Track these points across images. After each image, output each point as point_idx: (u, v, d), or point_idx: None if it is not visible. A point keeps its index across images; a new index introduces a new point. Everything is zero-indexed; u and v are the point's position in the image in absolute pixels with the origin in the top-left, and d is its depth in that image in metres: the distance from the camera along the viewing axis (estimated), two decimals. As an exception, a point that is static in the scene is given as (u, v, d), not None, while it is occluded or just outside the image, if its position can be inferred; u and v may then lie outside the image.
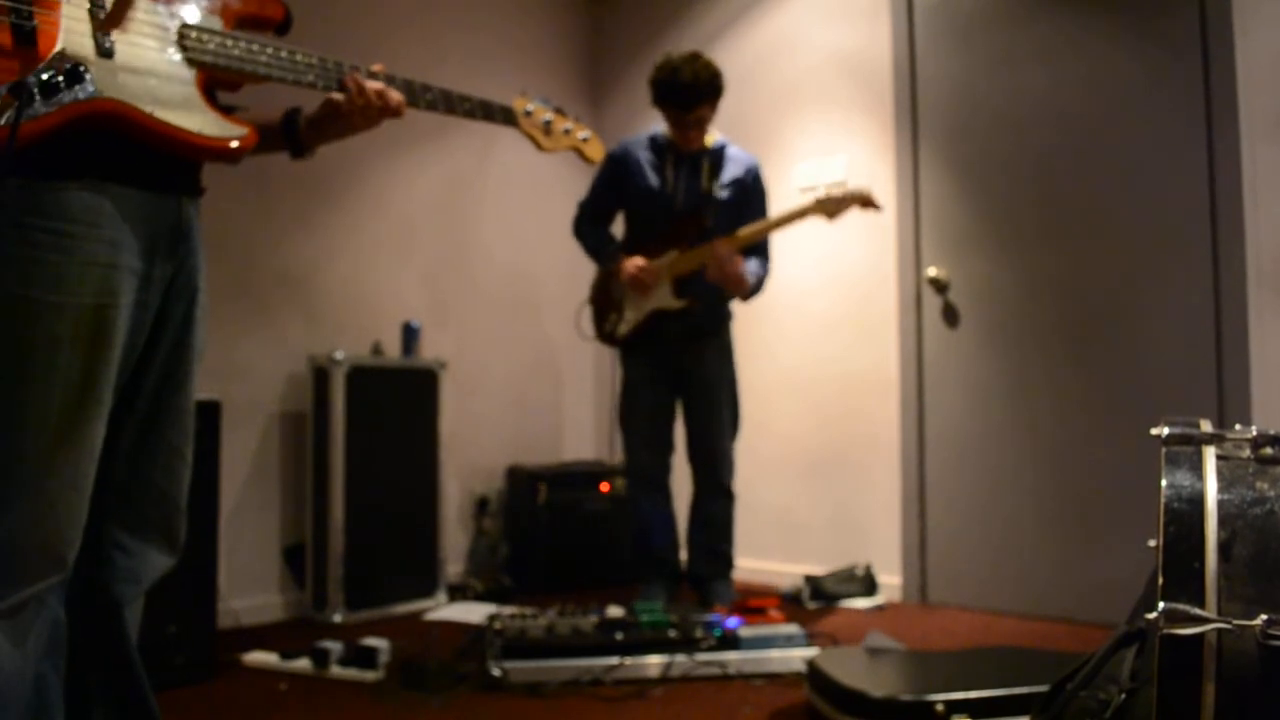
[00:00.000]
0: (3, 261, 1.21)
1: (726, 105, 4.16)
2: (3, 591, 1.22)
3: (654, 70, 3.18)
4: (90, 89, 1.22)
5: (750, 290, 3.22)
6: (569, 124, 1.95)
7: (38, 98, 1.16)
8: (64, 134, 1.21)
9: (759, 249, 3.28)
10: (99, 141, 1.26)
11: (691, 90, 3.12)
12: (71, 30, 1.23)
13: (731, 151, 3.33)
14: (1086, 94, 3.21)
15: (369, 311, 3.71)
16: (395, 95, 1.60)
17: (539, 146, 1.93)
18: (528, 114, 1.89)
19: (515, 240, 4.30)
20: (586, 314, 3.50)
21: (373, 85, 1.57)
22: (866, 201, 3.09)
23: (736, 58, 4.21)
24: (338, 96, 1.57)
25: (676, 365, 3.31)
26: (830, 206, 3.10)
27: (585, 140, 1.98)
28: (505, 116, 1.84)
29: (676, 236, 3.23)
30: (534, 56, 4.46)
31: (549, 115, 1.92)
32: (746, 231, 3.17)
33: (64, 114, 1.20)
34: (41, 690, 1.28)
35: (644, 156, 3.31)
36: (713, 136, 3.33)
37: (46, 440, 1.24)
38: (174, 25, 1.36)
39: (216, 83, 1.43)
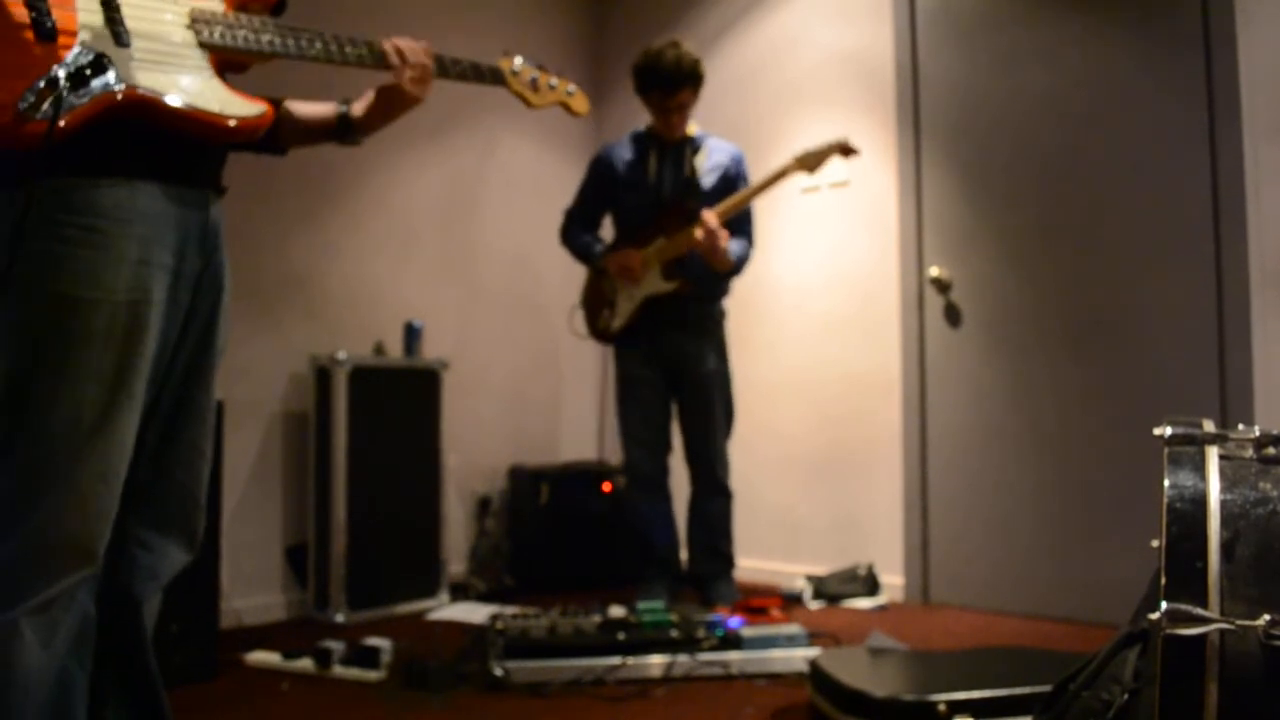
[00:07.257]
0: (37, 258, 1.22)
1: (728, 104, 4.19)
2: (34, 586, 1.22)
3: (637, 59, 3.26)
4: (114, 78, 1.24)
5: (732, 267, 3.25)
6: (554, 79, 2.01)
7: (68, 89, 1.18)
8: (96, 127, 1.22)
9: (743, 229, 3.30)
10: (128, 136, 1.28)
11: (674, 76, 3.19)
12: (87, 24, 1.25)
13: (713, 141, 3.38)
14: (1089, 94, 3.21)
15: (371, 311, 3.71)
16: (425, 44, 1.67)
17: (528, 103, 1.98)
18: (514, 73, 1.95)
19: (517, 239, 4.30)
20: (579, 316, 3.53)
21: (407, 43, 1.62)
22: (845, 149, 3.10)
23: (738, 57, 4.22)
24: (389, 74, 1.62)
25: (671, 361, 3.32)
26: (810, 160, 3.12)
27: (571, 94, 2.03)
28: (494, 76, 1.90)
29: (663, 225, 3.26)
30: (536, 57, 4.44)
31: (534, 72, 1.98)
32: (733, 199, 3.19)
33: (96, 104, 1.22)
34: (65, 685, 1.28)
35: (627, 152, 3.37)
36: (693, 128, 3.38)
37: (79, 435, 1.24)
38: (182, 10, 1.39)
39: (225, 65, 1.46)
